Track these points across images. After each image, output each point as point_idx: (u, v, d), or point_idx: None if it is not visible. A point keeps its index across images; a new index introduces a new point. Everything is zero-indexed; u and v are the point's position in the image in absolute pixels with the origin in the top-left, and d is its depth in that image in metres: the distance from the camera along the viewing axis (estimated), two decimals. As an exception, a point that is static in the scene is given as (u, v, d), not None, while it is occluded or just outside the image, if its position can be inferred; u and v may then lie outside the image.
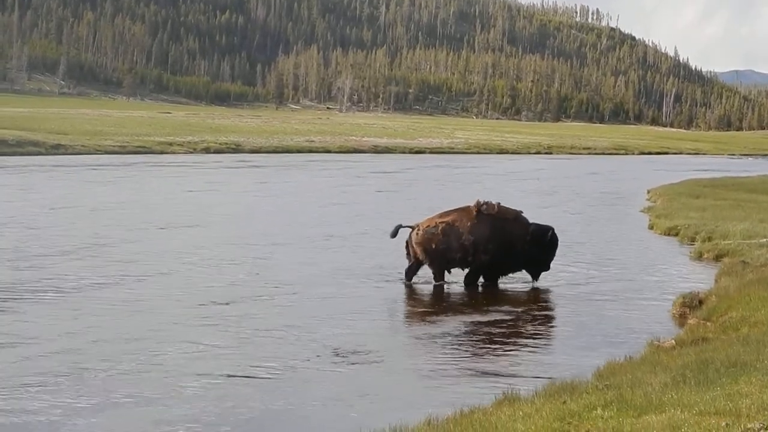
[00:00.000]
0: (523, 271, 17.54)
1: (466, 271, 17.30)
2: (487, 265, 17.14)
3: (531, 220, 17.60)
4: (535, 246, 17.16)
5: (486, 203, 17.29)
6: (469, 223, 17.05)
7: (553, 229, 17.46)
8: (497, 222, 17.10)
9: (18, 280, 16.15)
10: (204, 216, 26.91)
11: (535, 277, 17.49)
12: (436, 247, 16.99)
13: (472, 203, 17.40)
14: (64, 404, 9.62)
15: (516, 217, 17.42)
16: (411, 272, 17.28)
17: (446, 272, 17.40)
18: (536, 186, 44.85)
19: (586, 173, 59.09)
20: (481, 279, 17.41)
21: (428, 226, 17.22)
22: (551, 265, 17.56)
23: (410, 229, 17.41)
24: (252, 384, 10.52)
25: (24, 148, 55.13)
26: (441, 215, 17.48)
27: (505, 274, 17.54)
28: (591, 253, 21.36)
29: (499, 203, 17.41)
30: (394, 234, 17.53)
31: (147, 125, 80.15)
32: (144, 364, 11.17)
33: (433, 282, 17.17)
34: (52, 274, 16.79)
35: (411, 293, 16.54)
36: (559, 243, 17.65)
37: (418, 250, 17.10)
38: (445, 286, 17.03)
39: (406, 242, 17.37)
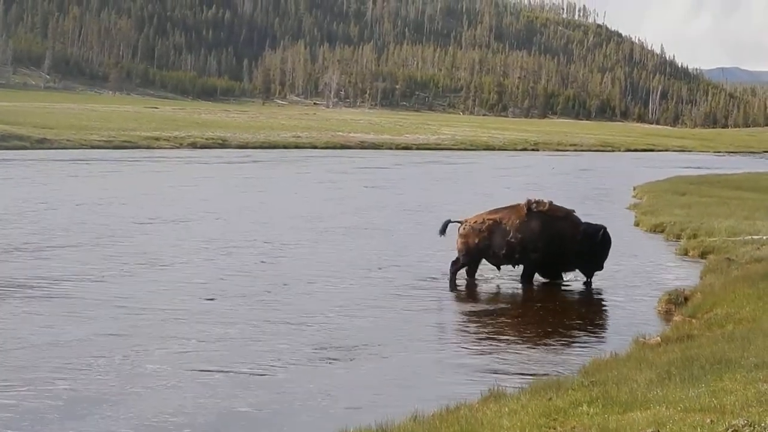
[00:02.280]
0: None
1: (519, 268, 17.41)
2: (538, 263, 17.13)
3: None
4: (586, 245, 17.08)
5: (537, 201, 17.30)
6: (518, 221, 17.03)
7: (605, 228, 17.41)
8: (548, 220, 17.08)
9: (25, 273, 16.12)
10: (197, 211, 26.89)
11: (589, 276, 17.37)
12: (478, 244, 17.04)
13: (522, 201, 17.43)
14: (56, 400, 9.60)
15: (567, 215, 17.41)
16: (471, 272, 17.38)
17: (497, 268, 17.45)
18: (522, 182, 44.93)
19: (573, 170, 59.16)
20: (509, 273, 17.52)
21: (475, 222, 17.27)
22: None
23: (458, 224, 17.46)
24: (238, 380, 10.51)
25: (9, 142, 54.90)
26: (490, 212, 17.52)
27: (558, 272, 17.49)
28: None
29: (550, 201, 17.43)
30: (443, 230, 17.52)
31: (133, 120, 79.95)
32: (137, 360, 11.15)
33: (449, 267, 17.20)
34: (41, 267, 16.73)
35: (406, 288, 16.39)
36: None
37: (459, 242, 17.17)
38: (429, 281, 17.02)
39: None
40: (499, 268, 17.49)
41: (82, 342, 11.89)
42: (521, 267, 17.35)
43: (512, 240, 16.94)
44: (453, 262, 17.27)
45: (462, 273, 17.39)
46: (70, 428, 8.88)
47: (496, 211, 17.51)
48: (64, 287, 15.30)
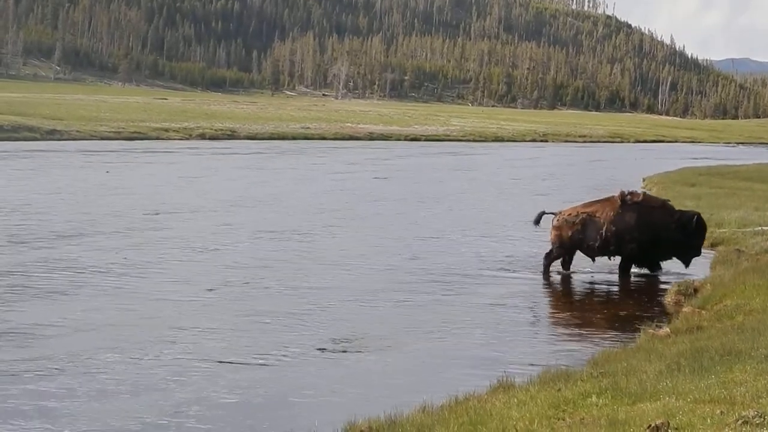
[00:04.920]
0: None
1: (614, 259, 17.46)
2: (636, 253, 17.15)
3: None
4: (681, 233, 17.03)
5: (630, 193, 17.35)
6: (612, 214, 17.06)
7: (698, 215, 17.45)
8: (643, 211, 17.09)
9: (65, 260, 16.24)
10: (219, 201, 27.20)
11: (687, 263, 17.28)
12: (571, 236, 17.12)
13: (616, 193, 17.47)
14: (67, 390, 9.63)
15: (662, 205, 17.50)
16: (566, 263, 17.48)
17: (592, 260, 17.50)
18: (532, 173, 44.87)
19: (582, 161, 59.09)
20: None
21: (570, 214, 17.36)
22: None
23: (553, 216, 17.55)
24: (248, 370, 10.52)
25: (19, 134, 55.00)
26: (584, 205, 17.64)
27: (655, 261, 17.44)
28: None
29: (644, 192, 17.51)
30: (538, 221, 17.68)
31: (142, 111, 80.00)
32: (150, 349, 11.19)
33: (543, 259, 17.31)
34: (54, 257, 16.81)
35: (419, 278, 16.40)
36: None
37: (552, 234, 17.27)
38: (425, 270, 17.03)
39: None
40: (593, 260, 17.54)
41: (85, 331, 11.93)
42: (617, 258, 17.40)
43: (607, 232, 16.97)
44: (546, 254, 17.36)
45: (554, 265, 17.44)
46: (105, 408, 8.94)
47: (590, 204, 17.63)
48: (96, 275, 15.54)
